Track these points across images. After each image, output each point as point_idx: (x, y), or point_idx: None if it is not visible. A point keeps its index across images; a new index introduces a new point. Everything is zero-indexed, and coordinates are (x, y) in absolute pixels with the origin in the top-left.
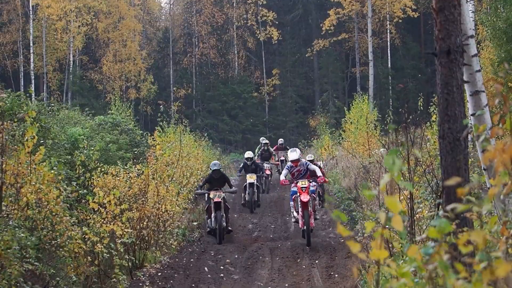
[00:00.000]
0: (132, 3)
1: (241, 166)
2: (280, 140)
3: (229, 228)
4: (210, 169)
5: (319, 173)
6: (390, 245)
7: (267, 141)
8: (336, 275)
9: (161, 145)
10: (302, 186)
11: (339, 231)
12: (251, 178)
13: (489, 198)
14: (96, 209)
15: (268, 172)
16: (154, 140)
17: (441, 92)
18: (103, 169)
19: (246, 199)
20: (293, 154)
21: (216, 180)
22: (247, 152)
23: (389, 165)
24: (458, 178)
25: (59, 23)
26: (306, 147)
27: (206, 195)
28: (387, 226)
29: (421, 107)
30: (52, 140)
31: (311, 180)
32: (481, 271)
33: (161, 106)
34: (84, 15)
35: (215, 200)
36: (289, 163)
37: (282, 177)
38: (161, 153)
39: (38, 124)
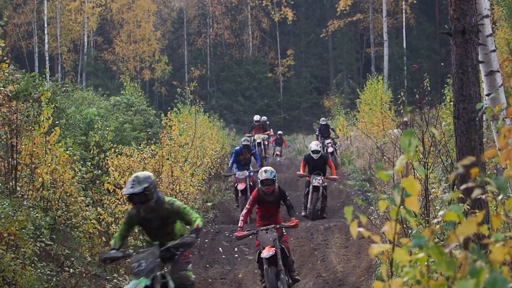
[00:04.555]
0: None
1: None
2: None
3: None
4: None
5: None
6: (405, 226)
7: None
8: (351, 256)
9: (177, 126)
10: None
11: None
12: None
13: (505, 180)
14: (111, 190)
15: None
16: (170, 121)
17: (456, 72)
18: (117, 150)
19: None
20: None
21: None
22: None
23: (405, 146)
24: (472, 158)
25: (73, 4)
26: None
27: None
28: (402, 207)
29: (428, 87)
30: (66, 120)
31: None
32: (496, 251)
33: (178, 89)
34: None
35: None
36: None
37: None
38: (176, 134)
39: (53, 105)
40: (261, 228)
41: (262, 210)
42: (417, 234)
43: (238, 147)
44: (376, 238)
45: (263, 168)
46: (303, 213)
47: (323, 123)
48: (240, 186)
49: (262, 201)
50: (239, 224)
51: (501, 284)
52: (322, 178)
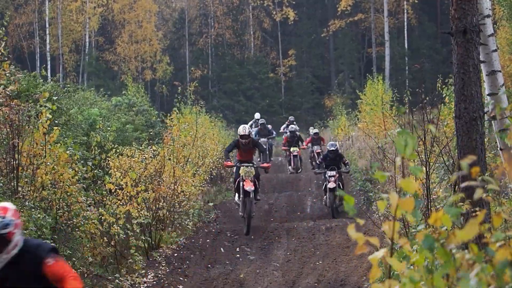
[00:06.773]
0: None
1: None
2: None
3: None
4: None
5: None
6: (407, 225)
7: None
8: (353, 256)
9: (178, 126)
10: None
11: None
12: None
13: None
14: (112, 190)
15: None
16: (172, 121)
17: (458, 72)
18: (118, 150)
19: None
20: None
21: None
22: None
23: (400, 147)
24: (473, 157)
25: (74, 4)
26: (322, 128)
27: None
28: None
29: (440, 88)
30: (67, 120)
31: None
32: (496, 250)
33: (179, 88)
34: None
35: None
36: None
37: None
38: (179, 135)
39: (54, 105)
40: None
41: None
42: (427, 236)
43: None
44: (375, 240)
45: None
46: None
47: (332, 148)
48: None
49: None
50: None
51: None
52: None
